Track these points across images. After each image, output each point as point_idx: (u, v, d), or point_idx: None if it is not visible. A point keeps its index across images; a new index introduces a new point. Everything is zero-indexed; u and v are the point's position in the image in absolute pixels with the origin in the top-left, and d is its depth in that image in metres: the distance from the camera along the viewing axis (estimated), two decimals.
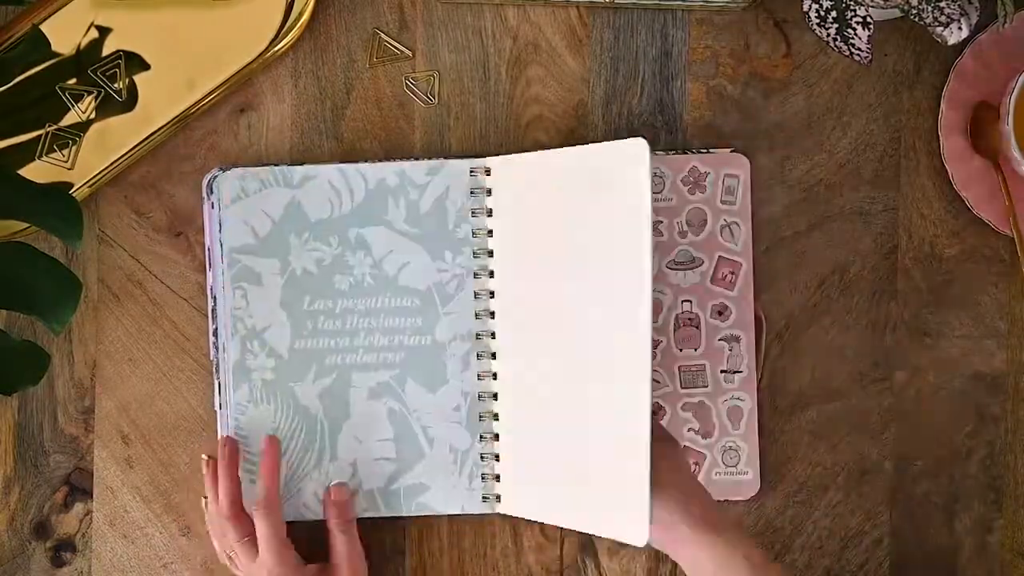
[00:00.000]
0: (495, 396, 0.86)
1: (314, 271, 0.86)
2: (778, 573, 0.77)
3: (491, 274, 0.87)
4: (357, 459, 0.87)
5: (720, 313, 0.89)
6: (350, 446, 0.87)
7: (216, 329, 0.87)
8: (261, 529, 0.83)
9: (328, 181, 0.87)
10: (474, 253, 0.86)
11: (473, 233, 0.86)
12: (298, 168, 0.87)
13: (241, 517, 0.84)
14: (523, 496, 0.86)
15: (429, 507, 0.87)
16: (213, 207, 0.87)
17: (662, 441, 0.81)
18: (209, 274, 0.87)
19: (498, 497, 0.87)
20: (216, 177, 0.87)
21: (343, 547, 0.85)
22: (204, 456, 0.88)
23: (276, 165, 0.87)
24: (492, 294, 0.86)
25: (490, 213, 0.86)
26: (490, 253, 0.86)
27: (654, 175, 0.88)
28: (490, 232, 0.86)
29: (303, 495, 0.87)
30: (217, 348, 0.87)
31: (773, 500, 0.90)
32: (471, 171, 0.86)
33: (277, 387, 0.86)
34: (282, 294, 0.86)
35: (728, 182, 0.89)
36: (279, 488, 0.85)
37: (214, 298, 0.87)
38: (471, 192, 0.86)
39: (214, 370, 0.87)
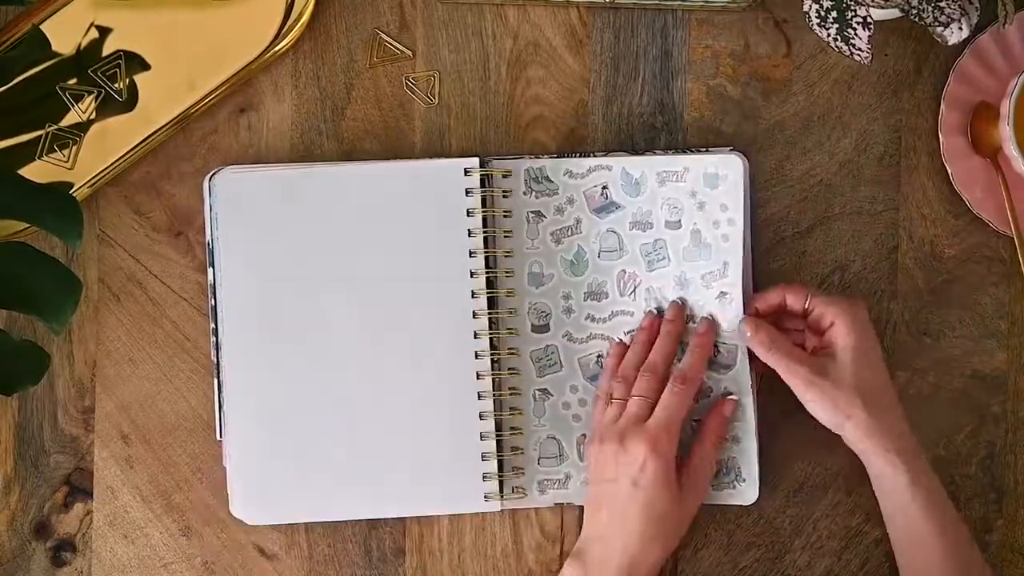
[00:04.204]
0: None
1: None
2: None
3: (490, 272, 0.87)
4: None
5: None
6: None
7: (216, 328, 0.87)
8: (670, 399, 0.83)
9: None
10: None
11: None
12: (298, 167, 0.87)
13: (660, 376, 0.85)
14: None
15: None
16: (213, 206, 0.87)
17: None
18: (209, 273, 0.87)
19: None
20: (216, 177, 0.87)
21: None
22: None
23: (276, 165, 0.88)
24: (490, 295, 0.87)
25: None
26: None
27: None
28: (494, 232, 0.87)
29: None
30: (218, 348, 0.87)
31: (773, 500, 0.90)
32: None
33: None
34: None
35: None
36: (702, 377, 0.86)
37: (214, 297, 0.87)
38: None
39: (214, 370, 0.87)
